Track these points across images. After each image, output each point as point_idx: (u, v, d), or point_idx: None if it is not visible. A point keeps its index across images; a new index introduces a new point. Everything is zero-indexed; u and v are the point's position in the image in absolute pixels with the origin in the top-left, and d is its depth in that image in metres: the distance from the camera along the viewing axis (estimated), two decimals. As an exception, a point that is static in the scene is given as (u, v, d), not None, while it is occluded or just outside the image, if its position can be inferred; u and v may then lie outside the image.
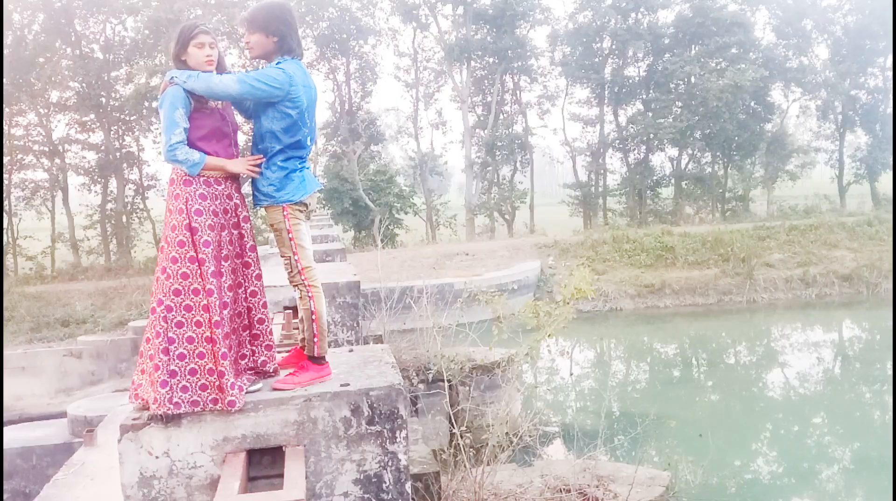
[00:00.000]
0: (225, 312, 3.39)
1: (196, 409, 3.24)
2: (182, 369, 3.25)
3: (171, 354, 3.25)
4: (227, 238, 3.51)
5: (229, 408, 3.24)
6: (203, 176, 3.43)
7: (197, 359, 3.28)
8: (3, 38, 23.90)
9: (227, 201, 3.51)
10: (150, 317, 3.35)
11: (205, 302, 3.30)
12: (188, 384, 3.25)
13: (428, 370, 10.41)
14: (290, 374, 3.58)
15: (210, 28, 3.59)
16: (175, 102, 3.38)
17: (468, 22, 32.80)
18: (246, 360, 3.60)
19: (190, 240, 3.32)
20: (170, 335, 3.25)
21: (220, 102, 3.58)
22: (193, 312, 3.29)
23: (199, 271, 3.31)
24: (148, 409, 3.26)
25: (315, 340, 3.61)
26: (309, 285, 3.63)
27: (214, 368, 3.27)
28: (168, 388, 3.20)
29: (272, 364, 3.67)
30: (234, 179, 3.59)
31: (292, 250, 3.63)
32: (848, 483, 10.38)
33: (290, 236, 3.62)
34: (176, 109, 3.37)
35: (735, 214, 33.58)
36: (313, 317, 3.62)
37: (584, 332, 19.63)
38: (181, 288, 3.29)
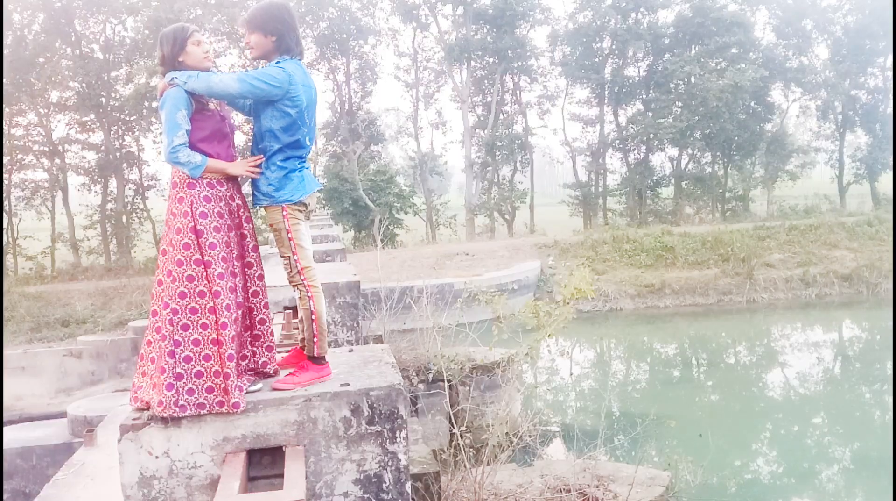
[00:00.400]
0: (232, 313, 3.39)
1: (202, 411, 3.23)
2: (188, 371, 3.24)
3: (176, 356, 3.24)
4: (233, 239, 3.51)
5: (234, 410, 3.24)
6: (205, 178, 3.42)
7: (203, 361, 3.27)
8: (3, 38, 23.90)
9: (230, 201, 3.52)
10: (151, 320, 3.35)
11: (211, 304, 3.29)
12: (194, 387, 3.24)
13: (428, 370, 10.40)
14: (290, 374, 3.57)
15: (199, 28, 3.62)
16: (177, 103, 3.37)
17: (468, 22, 32.78)
18: (247, 361, 3.59)
19: (195, 243, 3.32)
20: (175, 337, 3.24)
21: (217, 103, 3.59)
22: (199, 314, 3.28)
23: (204, 274, 3.31)
24: (149, 410, 3.26)
25: (315, 340, 3.60)
26: (308, 285, 3.63)
27: (220, 370, 3.26)
28: (174, 391, 3.20)
29: (272, 365, 3.67)
30: (236, 180, 3.60)
31: (292, 250, 3.63)
32: (848, 483, 10.38)
33: (290, 236, 3.62)
34: (178, 111, 3.36)
35: (735, 214, 33.57)
36: (313, 317, 3.61)
37: (584, 332, 19.62)
38: (186, 291, 3.28)
